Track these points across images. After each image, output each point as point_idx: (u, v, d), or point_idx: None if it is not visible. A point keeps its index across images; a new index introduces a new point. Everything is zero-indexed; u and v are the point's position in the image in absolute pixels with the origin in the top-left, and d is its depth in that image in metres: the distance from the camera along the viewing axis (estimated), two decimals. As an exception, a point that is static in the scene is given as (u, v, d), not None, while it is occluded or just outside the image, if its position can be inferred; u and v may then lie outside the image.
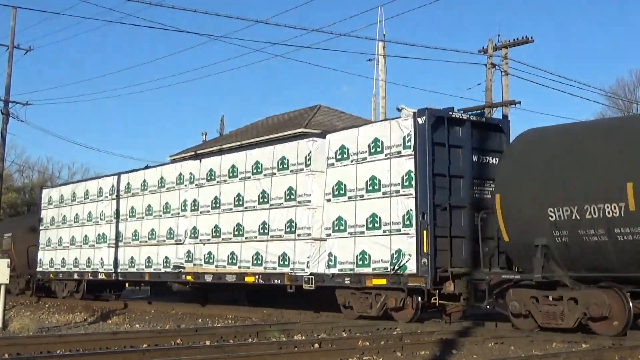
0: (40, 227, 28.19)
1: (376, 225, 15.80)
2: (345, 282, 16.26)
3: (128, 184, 23.67)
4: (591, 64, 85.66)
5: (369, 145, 16.12)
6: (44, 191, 29.19)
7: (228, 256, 19.09)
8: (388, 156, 15.72)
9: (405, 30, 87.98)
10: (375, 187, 15.94)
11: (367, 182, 16.11)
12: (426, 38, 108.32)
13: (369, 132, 16.26)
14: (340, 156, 16.78)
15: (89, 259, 25.07)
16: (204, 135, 44.35)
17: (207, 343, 12.00)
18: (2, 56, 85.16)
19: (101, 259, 24.38)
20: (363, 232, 16.04)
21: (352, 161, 16.50)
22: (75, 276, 25.79)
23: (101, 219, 24.77)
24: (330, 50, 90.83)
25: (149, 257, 22.06)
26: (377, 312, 15.81)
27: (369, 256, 15.82)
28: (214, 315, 17.93)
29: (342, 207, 16.54)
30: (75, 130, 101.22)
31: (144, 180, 22.94)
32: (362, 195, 16.18)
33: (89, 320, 18.14)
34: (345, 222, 16.43)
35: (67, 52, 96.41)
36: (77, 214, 26.25)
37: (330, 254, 16.63)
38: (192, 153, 34.43)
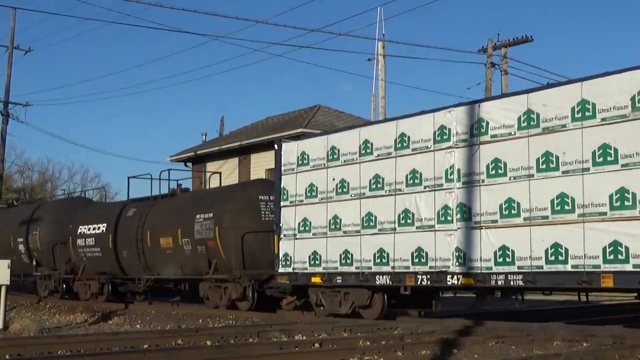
0: (283, 203, 17.32)
1: None
2: None
3: (529, 112, 13.08)
4: (591, 63, 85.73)
5: None
6: (286, 146, 18.01)
7: None
8: None
9: (405, 30, 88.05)
10: None
11: None
12: (426, 38, 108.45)
13: None
14: None
15: (419, 249, 14.37)
16: (204, 135, 44.41)
17: (208, 343, 12.00)
18: (1, 57, 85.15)
19: (457, 248, 13.84)
20: None
21: None
22: (380, 280, 15.14)
23: (450, 179, 14.12)
24: (330, 50, 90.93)
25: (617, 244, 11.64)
26: None
27: None
28: (215, 316, 17.92)
29: None
30: (75, 130, 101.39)
31: (583, 102, 12.31)
32: None
33: (90, 320, 18.14)
34: None
35: (67, 52, 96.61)
36: (376, 176, 15.28)
37: None
38: (192, 153, 34.49)
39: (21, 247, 27.50)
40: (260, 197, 19.31)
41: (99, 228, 24.04)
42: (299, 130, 28.12)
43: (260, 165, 30.81)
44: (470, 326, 13.81)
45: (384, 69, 33.07)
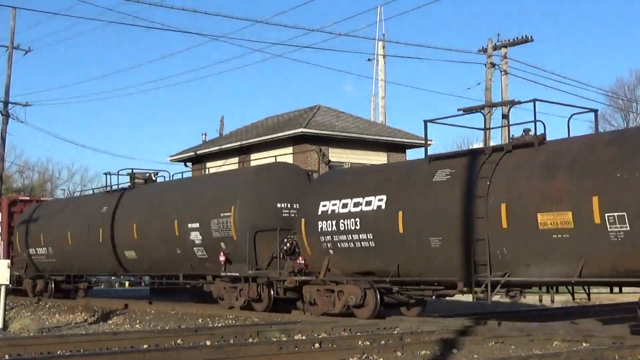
0: None
1: None
2: None
3: None
4: (591, 63, 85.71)
5: None
6: None
7: None
8: None
9: (405, 30, 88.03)
10: None
11: None
12: (426, 38, 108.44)
13: None
14: None
15: None
16: (204, 136, 44.42)
17: (208, 343, 12.01)
18: (1, 57, 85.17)
19: None
20: None
21: None
22: None
23: None
24: (330, 50, 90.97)
25: None
26: None
27: None
28: (215, 315, 17.91)
29: None
30: (75, 130, 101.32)
31: None
32: None
33: (90, 320, 18.14)
34: None
35: (67, 52, 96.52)
36: None
37: None
38: (192, 153, 34.46)
39: (194, 237, 19.61)
40: None
41: (369, 203, 15.90)
42: (299, 130, 28.13)
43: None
44: (470, 326, 13.80)
45: (384, 69, 33.22)
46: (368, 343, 11.46)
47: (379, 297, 15.93)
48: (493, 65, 31.32)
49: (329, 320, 15.64)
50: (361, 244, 15.98)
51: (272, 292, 18.25)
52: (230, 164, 27.78)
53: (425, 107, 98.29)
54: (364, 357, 10.21)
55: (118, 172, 24.76)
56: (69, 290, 26.87)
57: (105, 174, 25.00)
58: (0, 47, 36.00)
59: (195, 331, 13.42)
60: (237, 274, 18.63)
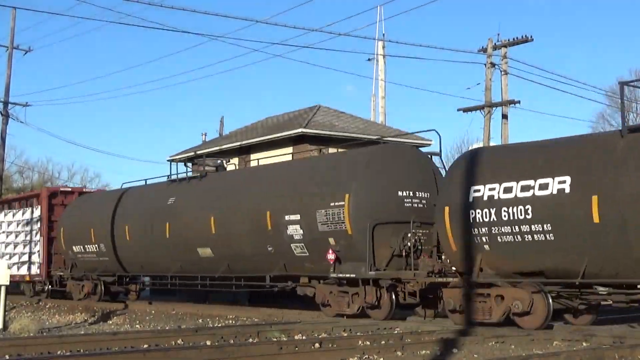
0: None
1: None
2: None
3: None
4: (591, 63, 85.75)
5: None
6: None
7: None
8: None
9: (405, 30, 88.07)
10: None
11: None
12: (426, 38, 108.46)
13: None
14: None
15: None
16: (204, 136, 44.43)
17: (208, 343, 12.02)
18: (1, 57, 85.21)
19: None
20: None
21: None
22: None
23: None
24: (330, 50, 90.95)
25: None
26: None
27: None
28: (215, 315, 17.92)
29: None
30: (75, 131, 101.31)
31: None
32: None
33: (90, 320, 18.15)
34: None
35: (67, 52, 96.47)
36: None
37: None
38: (192, 153, 34.46)
39: (293, 231, 16.82)
40: None
41: (545, 186, 13.00)
42: (299, 130, 28.13)
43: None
44: (470, 326, 13.81)
45: (384, 69, 33.19)
46: (368, 343, 11.46)
47: (550, 302, 13.31)
48: (493, 65, 31.33)
49: (328, 320, 15.63)
50: (532, 237, 13.08)
51: (393, 296, 15.51)
52: (230, 164, 27.68)
53: (425, 107, 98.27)
54: (364, 357, 10.21)
55: (186, 160, 21.38)
56: (118, 292, 24.55)
57: (170, 160, 21.80)
58: (0, 47, 36.07)
59: (195, 331, 13.43)
60: (354, 276, 15.62)
